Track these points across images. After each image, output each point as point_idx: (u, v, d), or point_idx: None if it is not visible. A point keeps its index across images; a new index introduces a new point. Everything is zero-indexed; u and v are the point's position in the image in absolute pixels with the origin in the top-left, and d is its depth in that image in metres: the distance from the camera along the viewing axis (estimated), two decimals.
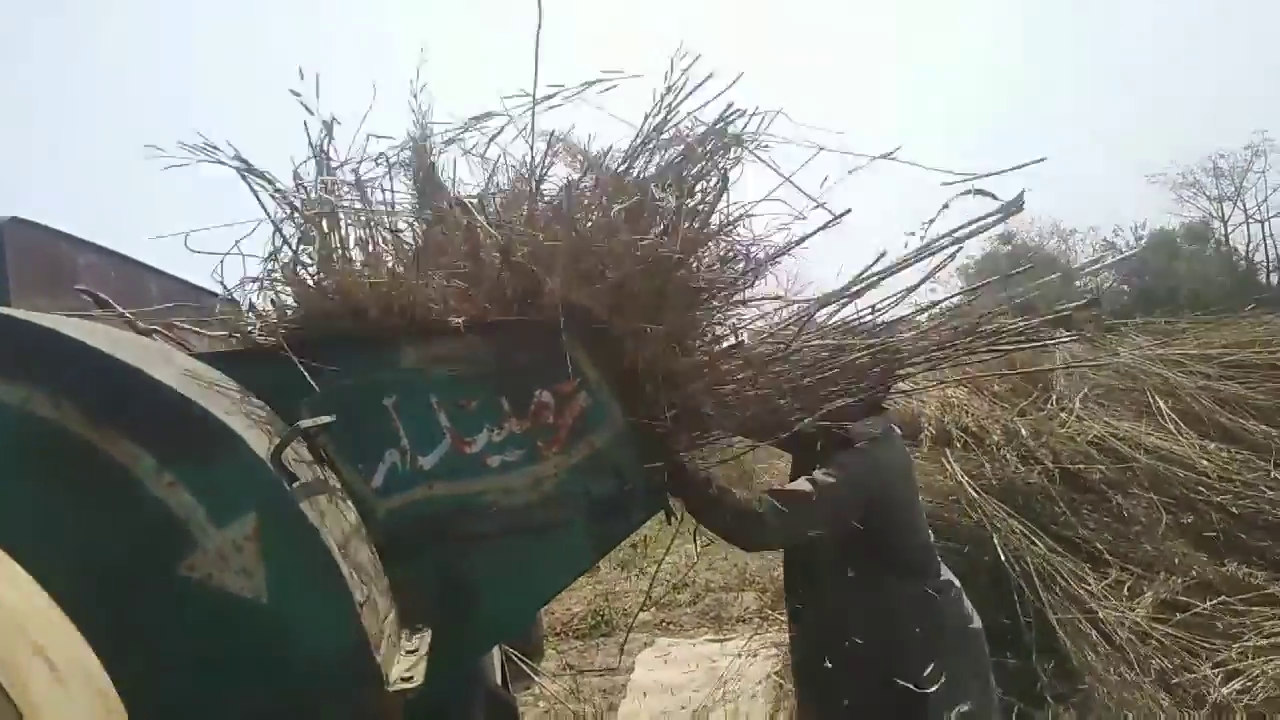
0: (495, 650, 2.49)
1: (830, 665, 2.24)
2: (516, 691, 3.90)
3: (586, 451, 1.70)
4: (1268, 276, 30.81)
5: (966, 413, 4.35)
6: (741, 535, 2.14)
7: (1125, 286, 31.12)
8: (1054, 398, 4.49)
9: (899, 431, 2.48)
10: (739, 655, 5.02)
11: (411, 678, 1.34)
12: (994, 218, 1.82)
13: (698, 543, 2.36)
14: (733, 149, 1.77)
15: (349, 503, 1.55)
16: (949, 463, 4.03)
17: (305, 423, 1.44)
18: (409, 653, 1.45)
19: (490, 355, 1.68)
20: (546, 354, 1.66)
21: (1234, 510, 3.72)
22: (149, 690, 1.18)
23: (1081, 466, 3.99)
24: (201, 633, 1.30)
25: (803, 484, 2.12)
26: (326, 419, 1.54)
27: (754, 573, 7.08)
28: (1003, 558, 3.59)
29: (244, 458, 1.33)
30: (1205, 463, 3.87)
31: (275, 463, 1.35)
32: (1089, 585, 3.49)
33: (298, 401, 1.59)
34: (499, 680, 2.45)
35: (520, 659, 3.69)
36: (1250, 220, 32.33)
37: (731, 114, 1.74)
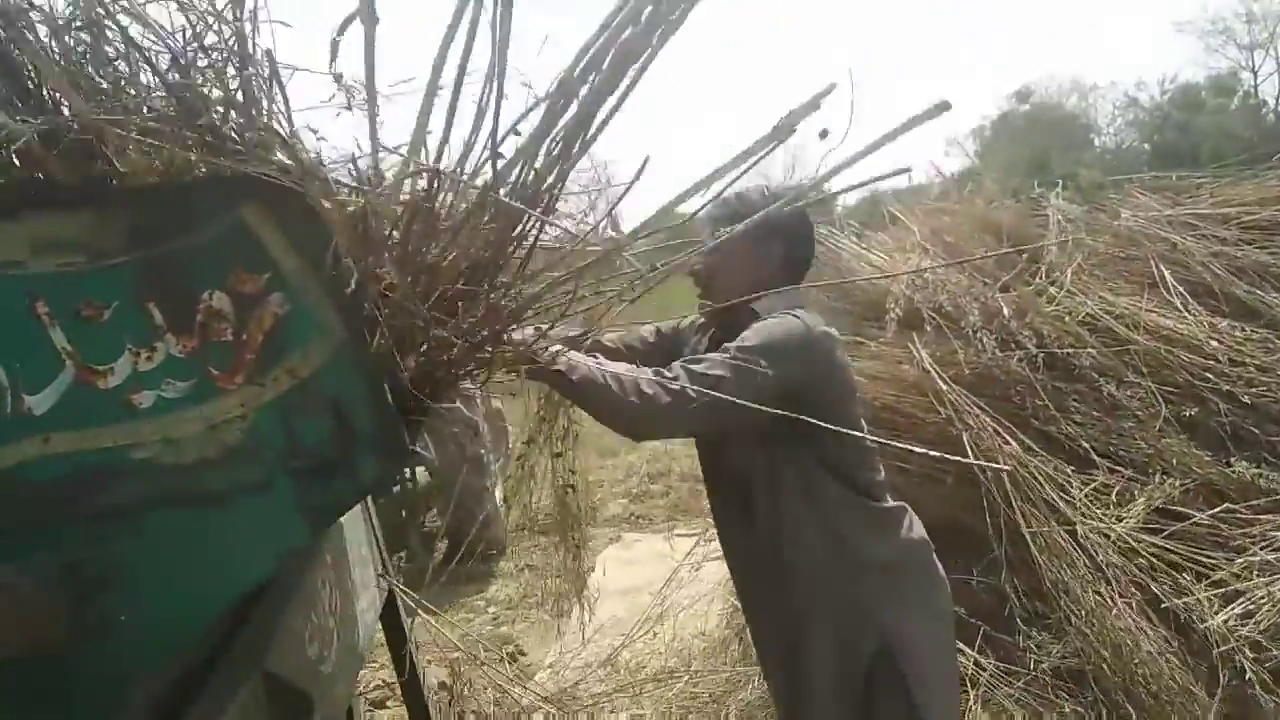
0: (370, 593, 2.00)
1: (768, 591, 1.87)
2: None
3: (288, 381, 1.11)
4: None
5: (941, 289, 3.76)
6: (616, 421, 1.59)
7: (1146, 145, 29.87)
8: (1043, 270, 3.89)
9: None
10: (695, 555, 4.66)
11: None
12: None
13: None
14: None
15: None
16: (916, 348, 3.48)
17: None
18: None
19: (125, 237, 1.08)
20: (215, 234, 1.07)
21: (1246, 400, 3.19)
22: None
23: (1070, 351, 3.44)
24: None
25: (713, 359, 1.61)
26: None
27: None
28: (972, 459, 3.10)
29: None
30: (1215, 344, 3.31)
31: None
32: (1070, 492, 3.00)
33: None
34: (362, 631, 1.96)
35: (406, 593, 3.24)
36: None
37: None
